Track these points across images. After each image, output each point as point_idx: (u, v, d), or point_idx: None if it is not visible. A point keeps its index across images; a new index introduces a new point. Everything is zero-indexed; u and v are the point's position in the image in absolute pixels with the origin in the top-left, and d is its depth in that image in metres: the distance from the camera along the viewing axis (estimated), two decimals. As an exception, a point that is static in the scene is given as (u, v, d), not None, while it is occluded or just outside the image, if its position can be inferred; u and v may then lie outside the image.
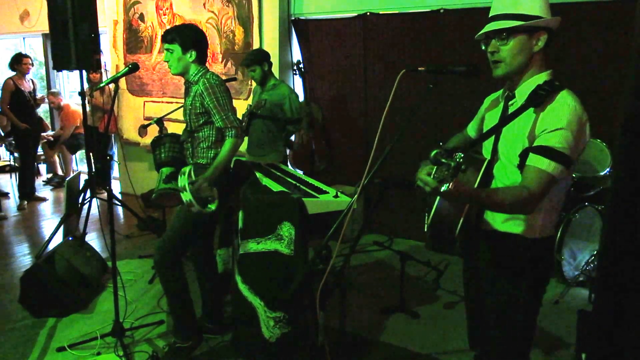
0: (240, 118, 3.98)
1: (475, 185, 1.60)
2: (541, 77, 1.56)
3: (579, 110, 1.47)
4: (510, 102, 1.64)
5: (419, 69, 1.62)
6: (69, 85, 7.45)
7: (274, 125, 3.82)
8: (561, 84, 1.53)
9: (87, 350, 2.76)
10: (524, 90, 1.57)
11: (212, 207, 2.47)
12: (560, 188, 1.58)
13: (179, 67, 2.55)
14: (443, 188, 1.27)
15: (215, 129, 2.59)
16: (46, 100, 6.40)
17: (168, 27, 5.36)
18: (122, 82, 5.77)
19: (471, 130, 1.94)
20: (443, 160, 1.27)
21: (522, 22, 1.49)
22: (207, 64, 2.64)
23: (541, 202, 1.49)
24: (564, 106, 1.47)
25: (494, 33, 1.54)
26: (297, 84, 4.98)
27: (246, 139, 3.92)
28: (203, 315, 2.91)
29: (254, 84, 4.15)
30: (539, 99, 1.49)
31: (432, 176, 1.31)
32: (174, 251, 2.57)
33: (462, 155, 1.23)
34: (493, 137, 1.65)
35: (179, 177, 2.44)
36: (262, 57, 3.79)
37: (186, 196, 2.37)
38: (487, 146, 1.70)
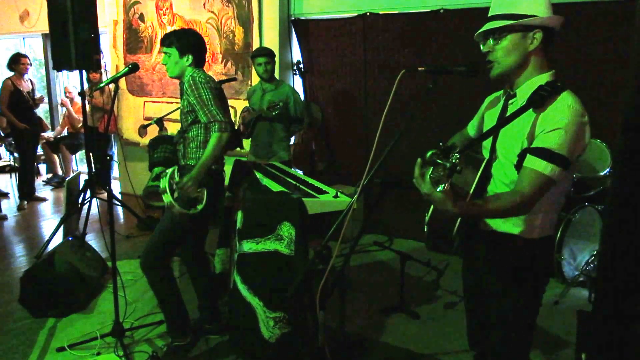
0: (241, 120, 3.98)
1: (474, 184, 1.59)
2: (543, 78, 1.56)
3: (579, 112, 1.47)
4: (510, 101, 1.64)
5: (419, 69, 1.62)
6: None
7: (280, 126, 3.82)
8: (563, 85, 1.52)
9: (87, 350, 2.76)
10: (525, 90, 1.57)
11: (199, 207, 2.47)
12: (559, 189, 1.57)
13: (175, 71, 2.57)
14: (439, 189, 1.28)
15: (203, 128, 2.57)
16: (45, 99, 6.39)
17: (168, 27, 5.38)
18: (122, 82, 5.76)
19: (471, 129, 1.94)
20: (439, 161, 1.27)
21: (512, 21, 1.50)
22: (206, 65, 2.64)
23: (537, 202, 1.49)
24: (564, 107, 1.47)
25: (489, 33, 1.55)
26: (297, 84, 4.98)
27: (249, 141, 3.91)
28: (201, 316, 2.91)
29: (253, 84, 4.14)
30: (540, 100, 1.49)
31: (428, 176, 1.31)
32: (159, 253, 2.58)
33: (458, 155, 1.24)
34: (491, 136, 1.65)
35: (161, 179, 2.45)
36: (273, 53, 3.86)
37: (166, 198, 2.39)
38: (486, 145, 1.70)
